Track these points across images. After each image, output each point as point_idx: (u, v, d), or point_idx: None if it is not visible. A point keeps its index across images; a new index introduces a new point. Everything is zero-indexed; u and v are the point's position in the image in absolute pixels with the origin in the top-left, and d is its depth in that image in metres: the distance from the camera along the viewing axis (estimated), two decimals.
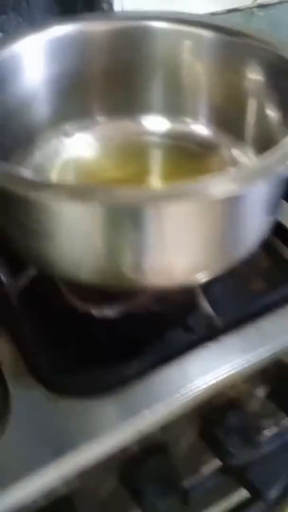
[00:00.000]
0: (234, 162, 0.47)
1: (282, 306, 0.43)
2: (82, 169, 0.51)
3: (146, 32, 0.48)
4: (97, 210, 0.30)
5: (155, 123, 0.52)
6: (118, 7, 0.75)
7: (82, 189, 0.30)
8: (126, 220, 0.31)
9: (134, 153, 0.51)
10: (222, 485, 0.51)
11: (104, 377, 0.38)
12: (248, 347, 0.41)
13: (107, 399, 0.37)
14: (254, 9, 0.97)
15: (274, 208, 0.37)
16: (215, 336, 0.41)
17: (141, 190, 0.30)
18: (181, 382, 0.38)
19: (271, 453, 0.50)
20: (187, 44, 0.47)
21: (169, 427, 0.39)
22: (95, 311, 0.41)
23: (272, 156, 0.32)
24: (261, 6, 0.97)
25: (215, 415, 0.43)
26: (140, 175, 0.50)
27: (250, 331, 0.42)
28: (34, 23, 0.71)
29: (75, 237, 0.33)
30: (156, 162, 0.52)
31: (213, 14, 0.90)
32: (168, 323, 0.42)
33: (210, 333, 0.41)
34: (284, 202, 0.45)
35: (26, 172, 0.47)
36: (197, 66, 0.48)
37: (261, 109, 0.44)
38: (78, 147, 0.51)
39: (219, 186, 0.29)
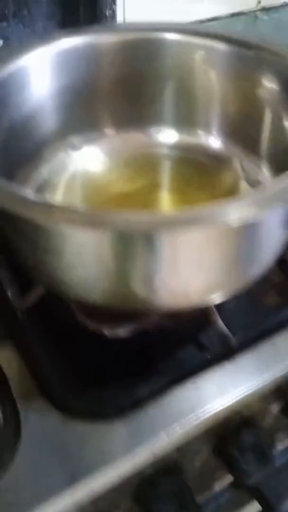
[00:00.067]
0: (247, 176, 0.46)
1: None
2: (90, 183, 0.50)
3: (157, 44, 0.48)
4: (109, 236, 0.30)
5: (165, 135, 0.51)
6: (120, 13, 0.74)
7: (94, 215, 0.29)
8: (139, 245, 0.30)
9: (143, 166, 0.50)
10: (235, 499, 0.51)
11: (118, 399, 0.37)
12: (264, 365, 0.40)
13: (121, 421, 0.36)
14: (258, 13, 0.97)
15: None
16: (230, 355, 0.40)
17: (155, 215, 0.29)
18: (197, 403, 0.37)
19: (284, 467, 0.50)
20: (199, 56, 0.47)
21: (183, 447, 0.38)
22: (107, 331, 0.40)
23: None
24: (265, 10, 0.96)
25: (229, 433, 0.42)
26: (149, 189, 0.49)
27: (266, 349, 0.41)
28: (36, 30, 0.71)
29: (86, 261, 0.32)
30: (166, 175, 0.51)
31: (216, 18, 0.90)
32: (182, 342, 0.41)
33: (225, 352, 0.40)
34: None
35: (35, 193, 0.46)
36: (209, 78, 0.47)
37: (276, 122, 0.43)
38: (86, 161, 0.51)
39: (235, 212, 0.28)
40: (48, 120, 0.49)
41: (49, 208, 0.30)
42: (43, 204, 0.31)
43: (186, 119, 0.50)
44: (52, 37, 0.47)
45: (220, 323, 0.40)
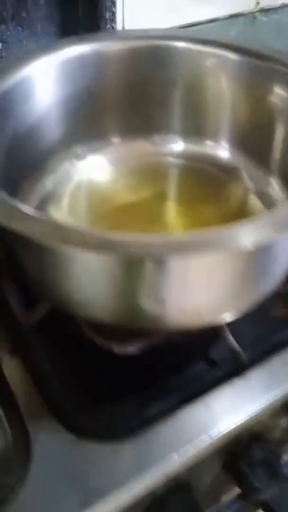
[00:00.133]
0: (255, 189, 0.46)
1: None
2: (95, 193, 0.49)
3: (165, 52, 0.47)
4: (121, 260, 0.29)
5: (172, 144, 0.51)
6: (120, 15, 0.73)
7: (106, 239, 0.28)
8: (151, 269, 0.29)
9: (149, 175, 0.49)
10: (242, 510, 0.50)
11: (128, 418, 0.37)
12: (275, 381, 0.40)
13: (132, 441, 0.36)
14: (257, 14, 0.96)
15: None
16: (241, 371, 0.39)
17: (167, 238, 0.28)
18: (208, 422, 0.37)
19: None
20: (210, 64, 0.46)
21: (194, 466, 0.38)
22: (116, 347, 0.39)
23: None
24: (264, 11, 0.95)
25: (239, 448, 0.41)
26: (155, 200, 0.48)
27: (276, 364, 0.41)
28: (35, 32, 0.69)
29: (97, 282, 0.32)
30: (172, 185, 0.50)
31: (215, 19, 0.89)
32: (191, 358, 0.40)
33: (236, 368, 0.40)
34: None
35: (41, 204, 0.45)
36: (220, 87, 0.46)
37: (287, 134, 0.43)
38: (91, 170, 0.50)
39: (249, 235, 0.27)
40: (53, 129, 0.48)
41: (60, 230, 0.29)
42: (53, 226, 0.30)
43: (194, 128, 0.49)
44: (56, 45, 0.47)
45: (231, 339, 0.39)
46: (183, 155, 0.50)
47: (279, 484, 0.42)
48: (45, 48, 0.46)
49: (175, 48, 0.47)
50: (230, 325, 0.40)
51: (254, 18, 0.96)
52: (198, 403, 0.38)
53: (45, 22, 0.70)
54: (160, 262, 0.28)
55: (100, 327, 0.40)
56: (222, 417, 0.37)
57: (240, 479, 0.42)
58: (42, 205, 0.47)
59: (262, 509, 0.46)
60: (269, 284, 0.35)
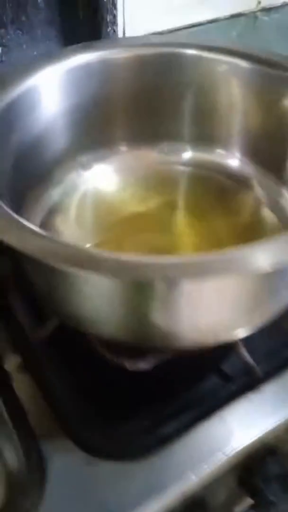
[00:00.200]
0: (267, 200, 0.45)
1: None
2: (102, 203, 0.48)
3: (174, 59, 0.46)
4: (135, 284, 0.28)
5: (180, 152, 0.49)
6: (120, 17, 0.72)
7: (115, 263, 0.27)
8: (164, 292, 0.29)
9: (157, 185, 0.49)
10: None
11: (143, 438, 0.36)
12: None
13: (147, 461, 0.35)
14: (258, 13, 0.95)
15: None
16: (255, 385, 0.39)
17: (181, 260, 0.27)
18: (224, 439, 0.37)
19: None
20: (220, 72, 0.45)
21: (210, 483, 0.37)
22: (128, 363, 0.38)
23: None
24: (265, 10, 0.94)
25: (253, 463, 0.41)
26: (163, 210, 0.47)
27: None
28: (35, 36, 0.68)
29: (109, 303, 0.31)
30: (181, 195, 0.49)
31: (216, 20, 0.88)
32: (205, 372, 0.40)
33: (250, 382, 0.39)
34: None
35: (47, 216, 0.44)
36: (231, 94, 0.45)
37: None
38: (97, 180, 0.49)
39: (265, 257, 0.27)
40: (58, 139, 0.47)
41: (71, 252, 0.28)
42: (65, 248, 0.29)
43: (203, 136, 0.48)
44: (60, 54, 0.46)
45: (244, 352, 0.39)
46: (191, 164, 0.49)
47: None
48: (50, 57, 0.45)
49: (184, 55, 0.46)
50: (243, 338, 0.40)
51: (256, 17, 0.95)
52: (213, 419, 0.37)
53: (45, 25, 0.68)
54: (175, 285, 0.28)
55: (111, 343, 0.40)
56: (237, 433, 0.37)
57: (254, 493, 0.42)
58: (49, 216, 0.47)
59: None
60: (285, 300, 0.34)
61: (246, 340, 0.39)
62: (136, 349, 0.39)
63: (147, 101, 0.47)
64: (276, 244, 0.27)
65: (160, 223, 0.47)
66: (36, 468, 0.35)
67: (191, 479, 0.35)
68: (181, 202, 0.49)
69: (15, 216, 0.31)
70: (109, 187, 0.49)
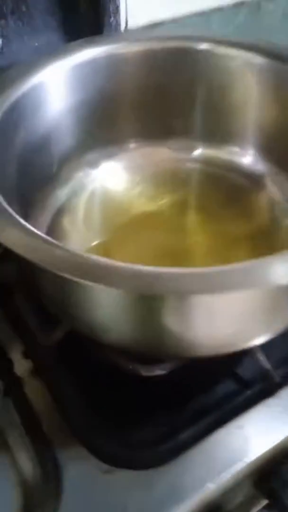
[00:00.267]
0: (281, 197, 0.44)
1: None
2: (110, 203, 0.47)
3: (186, 54, 0.44)
4: (148, 297, 0.27)
5: (191, 149, 0.48)
6: (123, 6, 0.70)
7: (129, 275, 0.26)
8: (179, 305, 0.28)
9: (167, 183, 0.47)
10: None
11: (160, 446, 0.36)
12: None
13: (165, 469, 0.35)
14: (262, 2, 0.93)
15: None
16: (273, 390, 0.38)
17: (198, 274, 0.26)
18: (243, 446, 0.36)
19: None
20: (234, 68, 0.43)
21: (228, 490, 0.36)
22: (143, 370, 0.38)
23: None
24: None
25: (271, 467, 0.40)
26: (174, 209, 0.46)
27: None
28: (35, 27, 0.67)
29: (120, 314, 0.30)
30: (192, 193, 0.48)
31: (219, 8, 0.86)
32: (221, 377, 0.39)
33: (268, 387, 0.38)
34: None
35: (55, 216, 0.43)
36: (244, 91, 0.44)
37: None
38: (105, 179, 0.48)
39: (281, 270, 0.26)
40: (65, 137, 0.46)
41: (83, 263, 0.27)
42: (75, 258, 0.28)
43: (215, 132, 0.47)
44: (66, 50, 0.44)
45: (262, 357, 0.38)
46: (202, 161, 0.48)
47: None
48: (55, 53, 0.44)
49: (196, 50, 0.44)
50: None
51: (259, 6, 0.93)
52: (230, 426, 0.37)
53: (46, 16, 0.67)
54: (191, 299, 0.27)
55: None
56: (255, 440, 0.36)
57: (272, 497, 0.41)
58: (57, 216, 0.46)
59: None
60: None
61: (263, 345, 0.38)
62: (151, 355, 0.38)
63: (156, 97, 0.46)
64: None
65: (170, 222, 0.46)
66: (52, 477, 0.34)
67: (210, 488, 0.34)
68: (191, 201, 0.47)
69: (26, 224, 0.29)
70: (118, 185, 0.48)
